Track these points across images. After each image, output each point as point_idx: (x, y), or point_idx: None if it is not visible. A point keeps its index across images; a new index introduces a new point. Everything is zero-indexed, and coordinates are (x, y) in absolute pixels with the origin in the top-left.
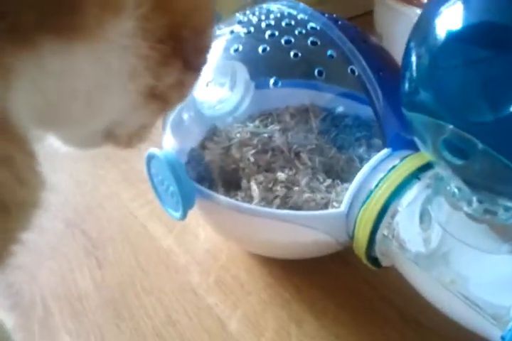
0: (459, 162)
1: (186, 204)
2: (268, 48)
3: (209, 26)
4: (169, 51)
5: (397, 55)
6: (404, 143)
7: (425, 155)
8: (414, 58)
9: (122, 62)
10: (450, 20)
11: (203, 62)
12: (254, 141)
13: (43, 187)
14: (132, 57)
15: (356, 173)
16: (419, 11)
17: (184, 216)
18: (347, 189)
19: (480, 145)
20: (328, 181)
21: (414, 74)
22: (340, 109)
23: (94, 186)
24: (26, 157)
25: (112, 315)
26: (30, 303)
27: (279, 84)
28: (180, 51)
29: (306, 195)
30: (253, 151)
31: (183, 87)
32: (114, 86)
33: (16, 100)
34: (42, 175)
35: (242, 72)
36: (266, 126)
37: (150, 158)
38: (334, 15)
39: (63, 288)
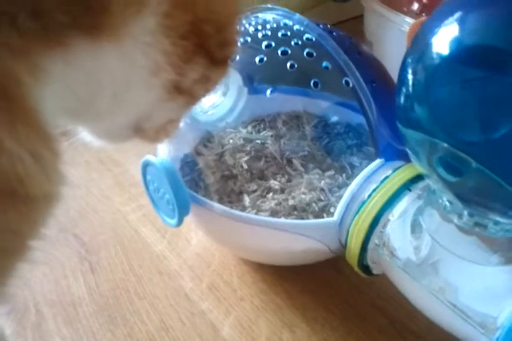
0: (452, 179)
1: (182, 212)
2: (265, 59)
3: (233, 20)
4: (192, 47)
5: (387, 62)
6: (396, 154)
7: (416, 167)
8: (410, 75)
9: (146, 58)
10: (446, 41)
11: (229, 56)
12: (247, 148)
13: (63, 182)
14: (155, 53)
15: (348, 180)
16: (408, 19)
17: (180, 223)
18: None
19: (474, 164)
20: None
21: (410, 90)
22: (333, 119)
23: (87, 190)
24: (52, 154)
25: (105, 320)
26: (23, 309)
27: (276, 93)
28: (203, 46)
29: (308, 197)
30: (246, 158)
31: (208, 82)
32: (139, 81)
33: (46, 98)
34: (62, 171)
35: (235, 78)
36: (258, 131)
37: (146, 165)
38: (329, 26)
39: (57, 293)
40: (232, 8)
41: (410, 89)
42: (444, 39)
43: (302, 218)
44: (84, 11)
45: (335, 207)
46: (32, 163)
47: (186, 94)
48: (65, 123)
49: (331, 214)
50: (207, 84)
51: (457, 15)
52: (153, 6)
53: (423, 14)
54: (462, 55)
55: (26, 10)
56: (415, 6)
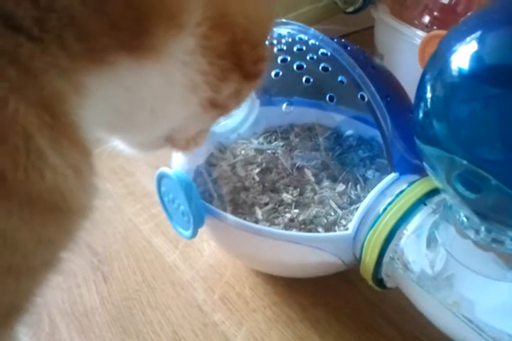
0: (471, 195)
1: (197, 224)
2: (280, 73)
3: (266, 36)
4: (229, 66)
5: (398, 74)
6: (410, 167)
7: (431, 181)
8: (429, 91)
9: (184, 77)
10: (466, 59)
11: (261, 70)
12: (259, 159)
13: (96, 195)
14: (193, 72)
15: (361, 192)
16: (419, 32)
17: (194, 235)
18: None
19: (493, 182)
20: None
21: (429, 107)
22: (348, 133)
23: (100, 199)
24: (89, 168)
25: (118, 330)
26: (36, 319)
27: (292, 107)
28: (239, 64)
29: (319, 211)
30: (258, 170)
31: (240, 95)
32: (177, 97)
33: (88, 114)
34: (96, 184)
35: None
36: (270, 142)
37: (161, 177)
38: (343, 40)
39: (70, 303)
40: (268, 26)
41: (429, 105)
42: (463, 57)
43: (312, 231)
44: (128, 33)
45: (345, 219)
46: (73, 178)
47: (220, 107)
48: (100, 135)
49: (343, 227)
50: (239, 98)
51: (477, 33)
52: (192, 28)
53: (434, 27)
54: (482, 73)
55: (74, 33)
56: (426, 19)
